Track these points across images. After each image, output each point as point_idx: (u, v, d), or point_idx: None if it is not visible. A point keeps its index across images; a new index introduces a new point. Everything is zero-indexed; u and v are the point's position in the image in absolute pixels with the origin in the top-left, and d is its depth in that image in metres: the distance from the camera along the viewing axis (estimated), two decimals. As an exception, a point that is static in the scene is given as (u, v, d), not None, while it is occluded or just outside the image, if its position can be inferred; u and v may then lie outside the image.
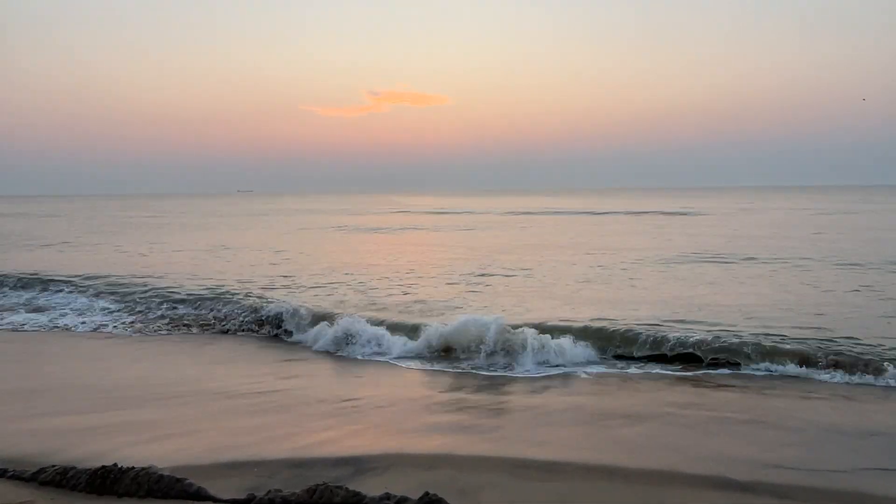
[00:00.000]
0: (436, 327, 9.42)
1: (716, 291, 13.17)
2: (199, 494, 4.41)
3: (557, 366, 8.42)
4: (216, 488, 4.51)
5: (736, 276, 15.32)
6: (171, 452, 5.37)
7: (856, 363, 7.88)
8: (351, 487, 4.33)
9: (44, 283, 15.15)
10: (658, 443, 5.70)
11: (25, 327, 11.54)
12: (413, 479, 4.80)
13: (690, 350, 8.57)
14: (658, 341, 8.86)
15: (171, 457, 5.22)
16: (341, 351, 9.53)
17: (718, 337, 8.84)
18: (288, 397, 7.25)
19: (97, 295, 13.85)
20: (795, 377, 7.83)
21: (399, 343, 9.37)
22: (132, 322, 11.78)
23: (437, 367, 8.67)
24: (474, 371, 8.42)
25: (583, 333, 9.20)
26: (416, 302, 12.41)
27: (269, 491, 4.39)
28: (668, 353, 8.63)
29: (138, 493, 4.41)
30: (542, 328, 9.25)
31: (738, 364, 8.26)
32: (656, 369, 8.31)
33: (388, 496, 4.22)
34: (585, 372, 8.23)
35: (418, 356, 9.08)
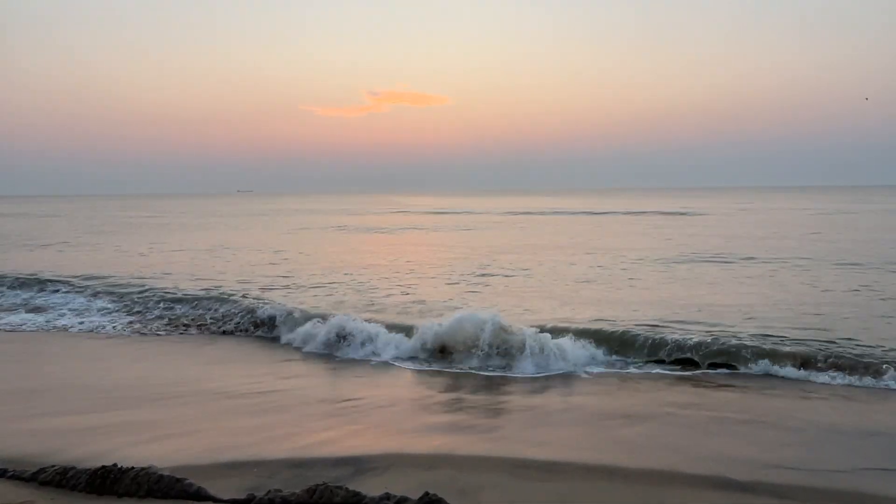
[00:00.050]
0: (431, 325, 9.30)
1: (715, 291, 13.18)
2: (199, 494, 4.41)
3: (558, 366, 8.39)
4: (216, 488, 4.51)
5: (735, 276, 15.33)
6: (171, 452, 5.37)
7: (855, 366, 7.84)
8: (351, 487, 4.33)
9: (41, 284, 15.09)
10: (658, 443, 5.70)
11: (23, 327, 11.51)
12: (413, 479, 4.80)
13: (688, 355, 8.49)
14: (656, 344, 8.79)
15: (171, 457, 5.22)
16: (338, 351, 9.46)
17: (717, 339, 8.78)
18: (287, 397, 7.25)
19: (95, 295, 13.80)
20: (795, 379, 7.81)
21: (394, 341, 9.28)
22: (130, 322, 11.75)
23: (435, 367, 8.65)
24: (473, 371, 8.40)
25: (583, 334, 9.13)
26: (415, 302, 12.40)
27: (269, 491, 4.39)
28: (666, 359, 8.53)
29: (138, 494, 4.41)
30: (542, 328, 9.20)
31: (737, 366, 8.22)
32: (656, 369, 8.30)
33: (387, 496, 4.22)
34: (585, 372, 8.23)
35: (414, 356, 9.01)
